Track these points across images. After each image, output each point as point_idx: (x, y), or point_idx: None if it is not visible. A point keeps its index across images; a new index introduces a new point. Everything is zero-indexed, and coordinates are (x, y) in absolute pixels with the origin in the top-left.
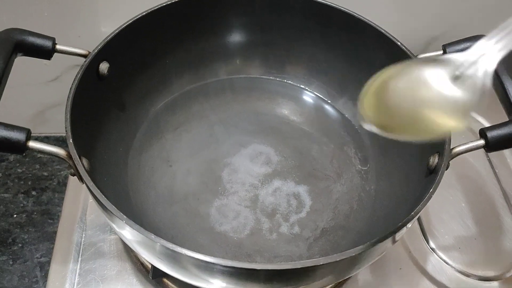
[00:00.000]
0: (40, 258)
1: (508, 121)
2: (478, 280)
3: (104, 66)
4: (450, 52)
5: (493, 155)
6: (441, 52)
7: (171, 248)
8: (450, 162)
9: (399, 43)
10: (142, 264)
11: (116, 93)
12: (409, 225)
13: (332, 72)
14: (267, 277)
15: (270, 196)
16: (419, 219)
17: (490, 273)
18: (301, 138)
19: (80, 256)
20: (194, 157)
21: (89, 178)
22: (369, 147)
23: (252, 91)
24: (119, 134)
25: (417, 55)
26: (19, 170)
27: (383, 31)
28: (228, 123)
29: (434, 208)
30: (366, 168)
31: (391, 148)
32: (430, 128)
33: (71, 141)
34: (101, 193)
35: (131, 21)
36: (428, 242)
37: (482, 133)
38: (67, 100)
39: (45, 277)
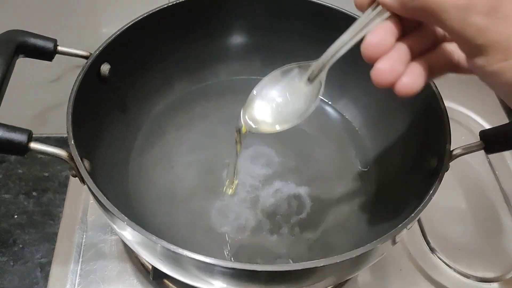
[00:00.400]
0: (41, 259)
1: (508, 123)
2: (478, 281)
3: (105, 68)
4: None
5: (493, 156)
6: None
7: (172, 249)
8: (450, 163)
9: None
10: (142, 265)
11: (117, 94)
12: (409, 226)
13: (333, 73)
14: (268, 279)
15: (270, 197)
16: (419, 221)
17: (490, 275)
18: (301, 140)
19: (80, 257)
20: (195, 158)
21: (90, 179)
22: (370, 149)
23: None
24: (120, 135)
25: None
26: (20, 171)
27: None
28: (229, 125)
29: (434, 210)
30: (366, 170)
31: (391, 149)
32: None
33: (72, 142)
34: (102, 194)
35: (132, 23)
36: (428, 244)
37: (482, 135)
38: (69, 101)
39: (45, 278)
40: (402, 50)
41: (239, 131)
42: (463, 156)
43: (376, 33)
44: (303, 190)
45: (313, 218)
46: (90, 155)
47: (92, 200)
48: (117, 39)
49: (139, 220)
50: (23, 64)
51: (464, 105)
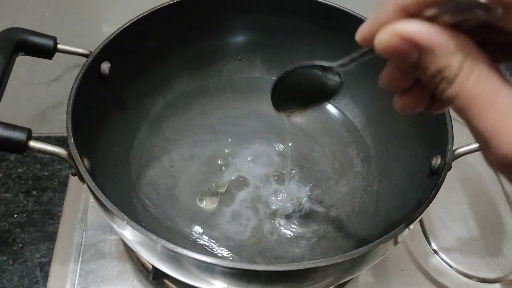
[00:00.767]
0: (41, 258)
1: None
2: (480, 282)
3: (105, 66)
4: None
5: None
6: None
7: (172, 249)
8: (452, 163)
9: None
10: (143, 264)
11: (118, 93)
12: (411, 226)
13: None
14: (269, 279)
15: (271, 196)
16: (421, 221)
17: (491, 275)
18: (303, 139)
19: (80, 256)
20: (195, 157)
21: (90, 178)
22: (371, 148)
23: (253, 91)
24: (120, 134)
25: None
26: (20, 170)
27: None
28: (229, 123)
29: (436, 210)
30: (368, 169)
31: (393, 149)
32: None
33: (72, 141)
34: (102, 193)
35: (132, 21)
36: (430, 244)
37: None
38: (68, 99)
39: (45, 277)
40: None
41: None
42: (465, 156)
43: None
44: (304, 190)
45: (314, 218)
46: (90, 153)
47: (92, 199)
48: (118, 37)
49: (138, 219)
50: (23, 63)
51: None
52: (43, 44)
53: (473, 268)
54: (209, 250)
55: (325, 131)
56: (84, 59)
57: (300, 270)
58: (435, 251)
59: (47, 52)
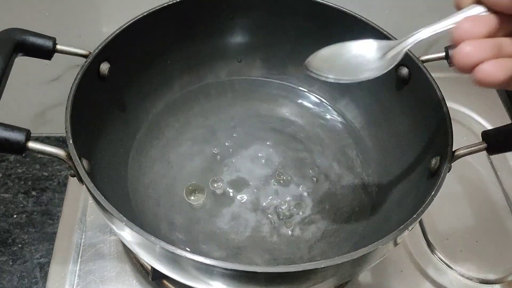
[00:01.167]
0: (40, 258)
1: (510, 123)
2: (480, 283)
3: (105, 67)
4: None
5: (494, 157)
6: (444, 54)
7: (171, 250)
8: (452, 164)
9: None
10: (142, 265)
11: (117, 94)
12: (410, 227)
13: None
14: (268, 280)
15: (271, 197)
16: (420, 222)
17: (491, 276)
18: (302, 140)
19: (80, 257)
20: (195, 158)
21: (88, 179)
22: (371, 149)
23: (253, 92)
24: (119, 134)
25: (419, 57)
26: (19, 170)
27: (385, 32)
28: (229, 125)
29: (436, 211)
30: (367, 170)
31: (393, 150)
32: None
33: (71, 141)
34: (100, 194)
35: (132, 22)
36: (429, 245)
37: (485, 135)
38: (67, 100)
39: (44, 277)
40: (491, 42)
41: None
42: (464, 157)
43: (469, 20)
44: (303, 191)
45: (313, 219)
46: (89, 154)
47: (91, 200)
48: (117, 38)
49: (137, 220)
50: (23, 63)
51: (466, 105)
52: (42, 45)
53: (473, 268)
54: (209, 251)
55: (325, 132)
56: (83, 59)
57: (299, 271)
58: (434, 252)
59: (46, 52)
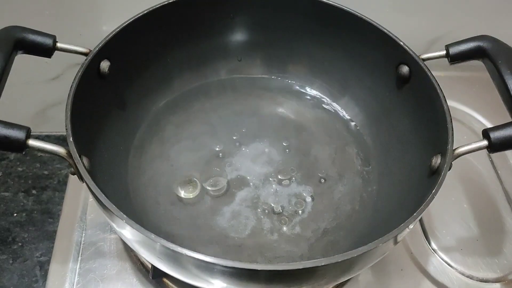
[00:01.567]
0: (40, 257)
1: (511, 121)
2: (480, 281)
3: (105, 65)
4: (453, 53)
5: (495, 156)
6: (444, 52)
7: (171, 248)
8: (452, 162)
9: (401, 43)
10: (142, 264)
11: (117, 92)
12: (411, 226)
13: (334, 71)
14: (268, 278)
15: (271, 196)
16: (421, 220)
17: (491, 275)
18: (302, 138)
19: (80, 255)
20: (195, 156)
21: (89, 177)
22: (371, 147)
23: (253, 90)
24: (119, 133)
25: (420, 55)
26: (20, 169)
27: (385, 30)
28: (229, 123)
29: (436, 209)
30: (368, 169)
31: (393, 148)
32: None
33: (71, 139)
34: (101, 192)
35: (132, 20)
36: (429, 244)
37: (485, 133)
38: (68, 98)
39: (44, 276)
40: None
41: None
42: (465, 156)
43: None
44: (303, 189)
45: (314, 217)
46: (89, 152)
47: (91, 198)
48: (117, 36)
49: (138, 218)
50: (23, 62)
51: (466, 104)
52: (42, 43)
53: (473, 267)
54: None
55: (325, 130)
56: (84, 58)
57: (300, 269)
58: (435, 251)
59: (46, 50)
